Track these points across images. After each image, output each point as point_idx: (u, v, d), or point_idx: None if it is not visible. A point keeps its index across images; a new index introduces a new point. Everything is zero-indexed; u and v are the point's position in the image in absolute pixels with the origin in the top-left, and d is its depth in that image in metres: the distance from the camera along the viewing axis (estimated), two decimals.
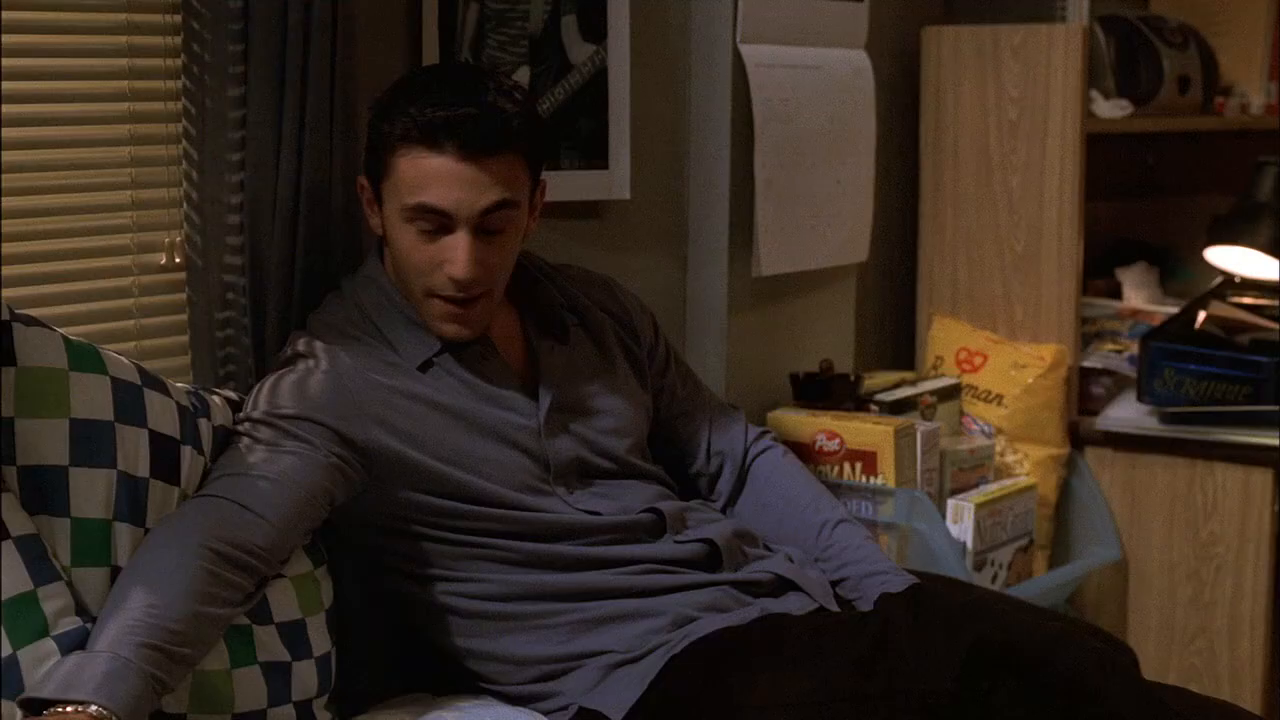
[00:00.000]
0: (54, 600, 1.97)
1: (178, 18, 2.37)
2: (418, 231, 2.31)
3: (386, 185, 2.33)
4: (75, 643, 1.95)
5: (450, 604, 2.38)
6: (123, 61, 2.35)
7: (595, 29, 2.94)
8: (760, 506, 2.67)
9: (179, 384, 2.31)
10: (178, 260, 2.42)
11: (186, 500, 2.17)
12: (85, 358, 2.12)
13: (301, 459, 2.24)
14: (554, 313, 2.53)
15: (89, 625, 1.98)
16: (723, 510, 2.67)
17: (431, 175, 2.28)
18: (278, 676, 2.23)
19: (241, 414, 2.30)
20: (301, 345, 2.36)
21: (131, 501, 2.11)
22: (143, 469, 2.13)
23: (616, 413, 2.53)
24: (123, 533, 2.09)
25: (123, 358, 2.20)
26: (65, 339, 2.11)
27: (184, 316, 2.45)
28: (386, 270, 2.43)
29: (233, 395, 2.37)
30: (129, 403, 2.14)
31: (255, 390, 2.32)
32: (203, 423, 2.25)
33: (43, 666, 1.92)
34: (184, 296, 2.44)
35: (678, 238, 3.19)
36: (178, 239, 2.43)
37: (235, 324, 2.42)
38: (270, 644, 2.24)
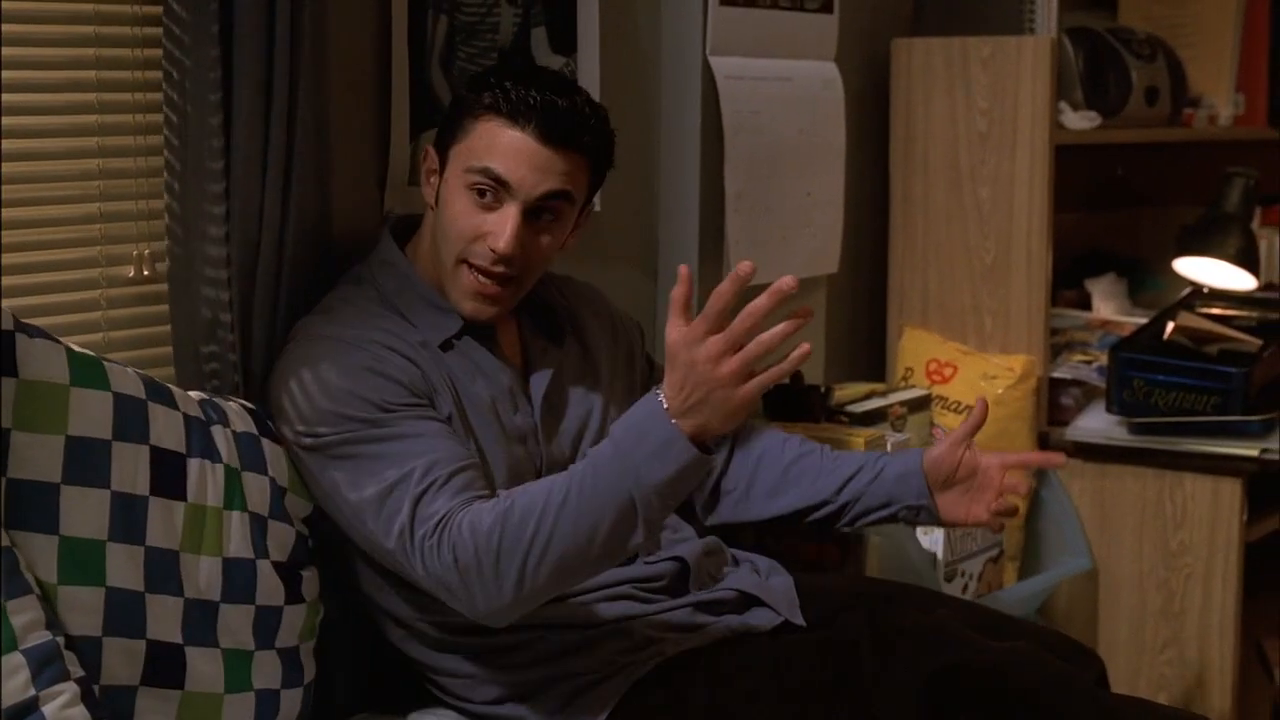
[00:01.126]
0: (23, 614, 1.96)
1: (147, 30, 2.37)
2: (473, 197, 2.34)
3: (457, 149, 2.36)
4: (44, 656, 1.95)
5: (425, 631, 2.38)
6: (90, 74, 2.35)
7: (565, 41, 2.94)
8: (756, 461, 2.69)
9: (192, 392, 2.30)
10: (146, 273, 2.42)
11: (467, 519, 2.16)
12: (88, 372, 2.11)
13: (452, 438, 2.29)
14: (553, 315, 2.54)
15: (59, 639, 1.98)
16: (717, 485, 2.69)
17: (506, 146, 2.32)
18: (268, 702, 2.23)
19: (336, 414, 2.26)
20: (337, 328, 2.34)
21: (127, 522, 2.10)
22: (142, 487, 2.13)
23: (603, 421, 2.53)
24: (117, 553, 2.08)
25: (128, 369, 2.19)
26: (69, 351, 2.10)
27: (152, 330, 2.44)
28: (406, 254, 2.44)
29: (248, 404, 2.36)
30: (130, 419, 2.13)
31: (306, 385, 2.29)
32: (217, 430, 2.25)
33: (11, 679, 1.91)
34: (152, 310, 2.43)
35: (648, 249, 3.19)
36: (146, 252, 2.42)
37: (220, 339, 2.40)
38: (269, 670, 2.24)
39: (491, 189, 2.32)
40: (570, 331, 2.56)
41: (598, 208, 2.63)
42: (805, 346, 2.03)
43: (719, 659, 2.30)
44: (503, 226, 2.32)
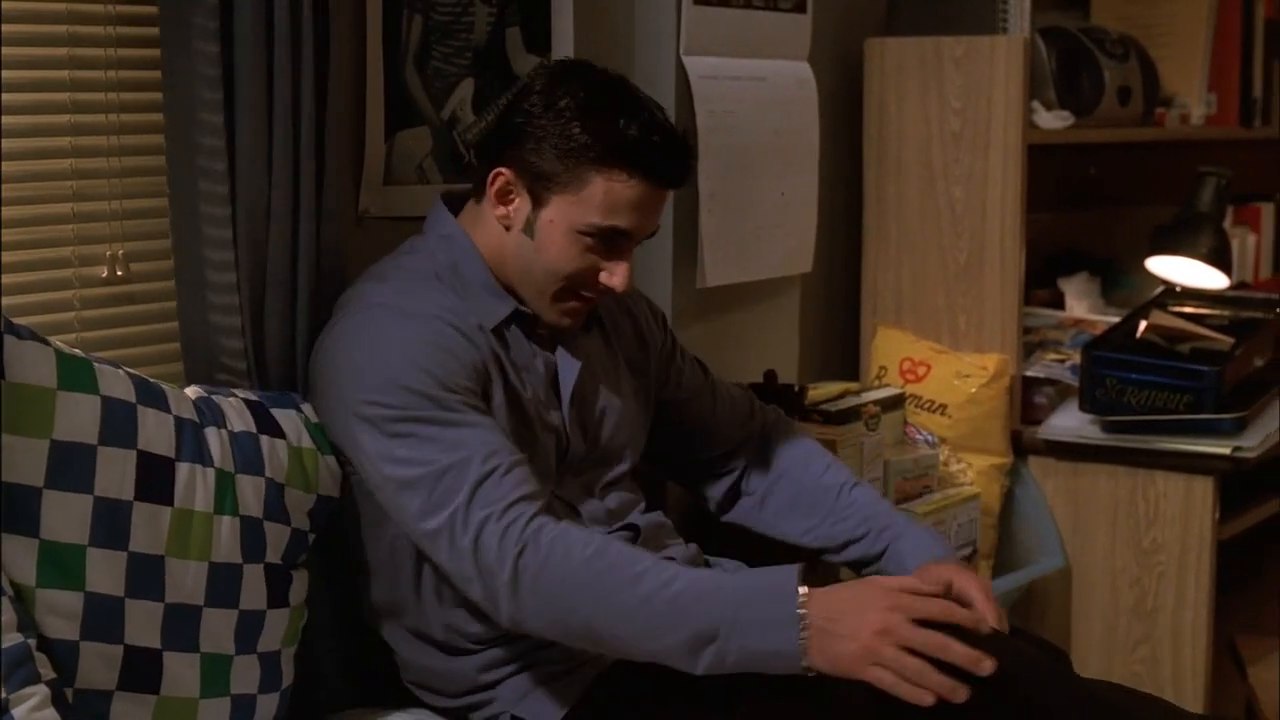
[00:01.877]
0: None
1: (121, 30, 2.37)
2: (587, 245, 2.33)
3: (566, 197, 2.32)
4: (16, 658, 1.94)
5: (407, 623, 2.38)
6: (63, 74, 2.34)
7: (540, 41, 2.94)
8: (778, 474, 2.70)
9: (190, 388, 2.30)
10: (120, 274, 2.41)
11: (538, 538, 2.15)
12: (77, 375, 2.09)
13: (503, 434, 2.27)
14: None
15: (31, 641, 1.97)
16: (738, 483, 2.72)
17: (632, 202, 2.32)
18: (244, 707, 2.23)
19: (399, 386, 2.22)
20: (396, 297, 2.32)
21: (110, 527, 2.09)
22: (127, 492, 2.11)
23: (621, 412, 2.55)
24: (97, 558, 2.07)
25: (120, 370, 2.17)
26: (59, 354, 2.08)
27: (125, 330, 2.44)
28: (467, 232, 2.42)
29: (251, 396, 2.35)
30: (118, 423, 2.12)
31: (368, 353, 2.26)
32: (211, 432, 2.23)
33: None
34: (125, 310, 2.43)
35: None
36: (120, 252, 2.41)
37: (231, 340, 2.40)
38: (247, 675, 2.23)
39: (611, 238, 2.34)
40: (595, 332, 2.57)
41: None
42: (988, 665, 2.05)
43: None
44: (621, 269, 2.36)
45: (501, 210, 2.38)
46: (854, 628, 2.06)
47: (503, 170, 2.36)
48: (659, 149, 2.33)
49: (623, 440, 2.55)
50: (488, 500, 2.16)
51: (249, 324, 2.39)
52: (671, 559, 2.34)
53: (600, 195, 2.30)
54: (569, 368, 2.46)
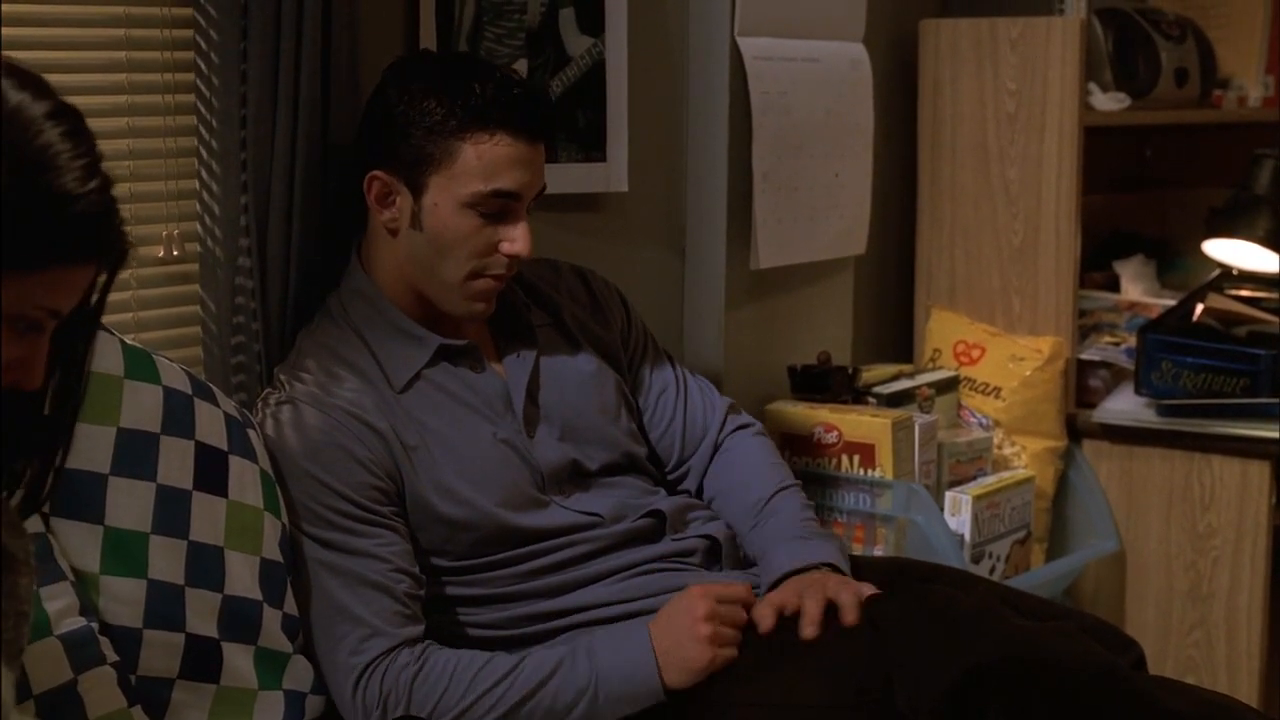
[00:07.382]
0: (57, 600, 1.96)
1: (176, 10, 2.38)
2: (478, 216, 2.32)
3: (440, 172, 2.31)
4: (79, 640, 1.95)
5: (459, 632, 2.38)
6: (120, 54, 2.35)
7: (593, 22, 2.93)
8: (717, 487, 2.65)
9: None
10: (175, 253, 2.42)
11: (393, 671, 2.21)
12: (140, 365, 2.12)
13: (394, 544, 2.28)
14: (520, 318, 2.52)
15: (93, 624, 1.98)
16: (697, 491, 2.66)
17: (507, 160, 2.31)
18: (294, 703, 2.24)
19: (310, 503, 2.27)
20: (309, 388, 2.32)
21: (170, 515, 2.11)
22: (186, 481, 2.13)
23: (597, 406, 2.53)
24: (158, 546, 2.09)
25: (174, 364, 2.19)
26: (124, 344, 2.11)
27: (181, 310, 2.45)
28: (372, 277, 2.41)
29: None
30: (178, 413, 2.14)
31: (292, 464, 2.28)
32: (252, 433, 2.25)
33: (48, 664, 1.92)
34: (181, 289, 2.44)
35: (675, 230, 3.19)
36: (175, 232, 2.42)
37: (245, 328, 2.42)
38: (302, 674, 2.24)
39: (499, 205, 2.32)
40: (547, 327, 2.55)
41: None
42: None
43: (759, 631, 2.28)
44: (519, 233, 2.34)
45: (386, 215, 2.36)
46: (684, 639, 2.19)
47: (376, 174, 2.35)
48: (518, 102, 2.32)
49: (604, 429, 2.52)
50: (357, 668, 2.22)
51: (261, 319, 2.42)
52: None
53: (474, 161, 2.30)
54: (516, 383, 2.45)
